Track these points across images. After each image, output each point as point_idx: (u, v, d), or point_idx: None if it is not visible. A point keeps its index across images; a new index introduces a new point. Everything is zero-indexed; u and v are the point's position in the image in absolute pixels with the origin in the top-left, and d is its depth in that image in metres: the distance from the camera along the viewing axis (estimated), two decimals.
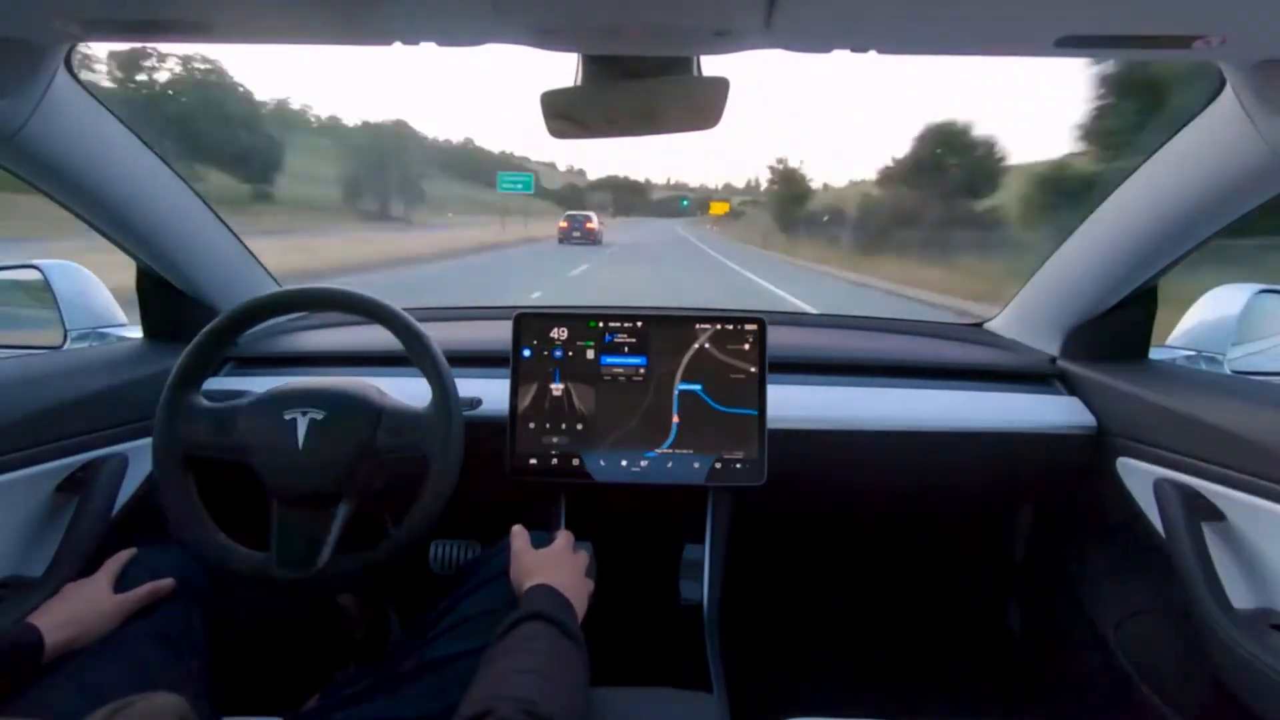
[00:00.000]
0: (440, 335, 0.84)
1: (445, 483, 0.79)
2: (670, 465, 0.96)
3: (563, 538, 0.82)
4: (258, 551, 0.80)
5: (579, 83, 0.73)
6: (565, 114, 0.78)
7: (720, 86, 0.72)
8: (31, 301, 1.26)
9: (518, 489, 0.98)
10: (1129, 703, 0.97)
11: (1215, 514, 0.82)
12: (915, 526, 1.36)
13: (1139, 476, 0.94)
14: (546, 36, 0.63)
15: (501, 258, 15.19)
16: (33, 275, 1.22)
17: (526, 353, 0.98)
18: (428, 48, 0.64)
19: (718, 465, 0.96)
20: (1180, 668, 0.90)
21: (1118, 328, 1.06)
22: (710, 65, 0.71)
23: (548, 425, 0.97)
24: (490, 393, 0.97)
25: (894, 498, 1.24)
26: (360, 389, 0.84)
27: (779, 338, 1.02)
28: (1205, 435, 0.84)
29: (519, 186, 28.92)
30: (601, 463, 0.96)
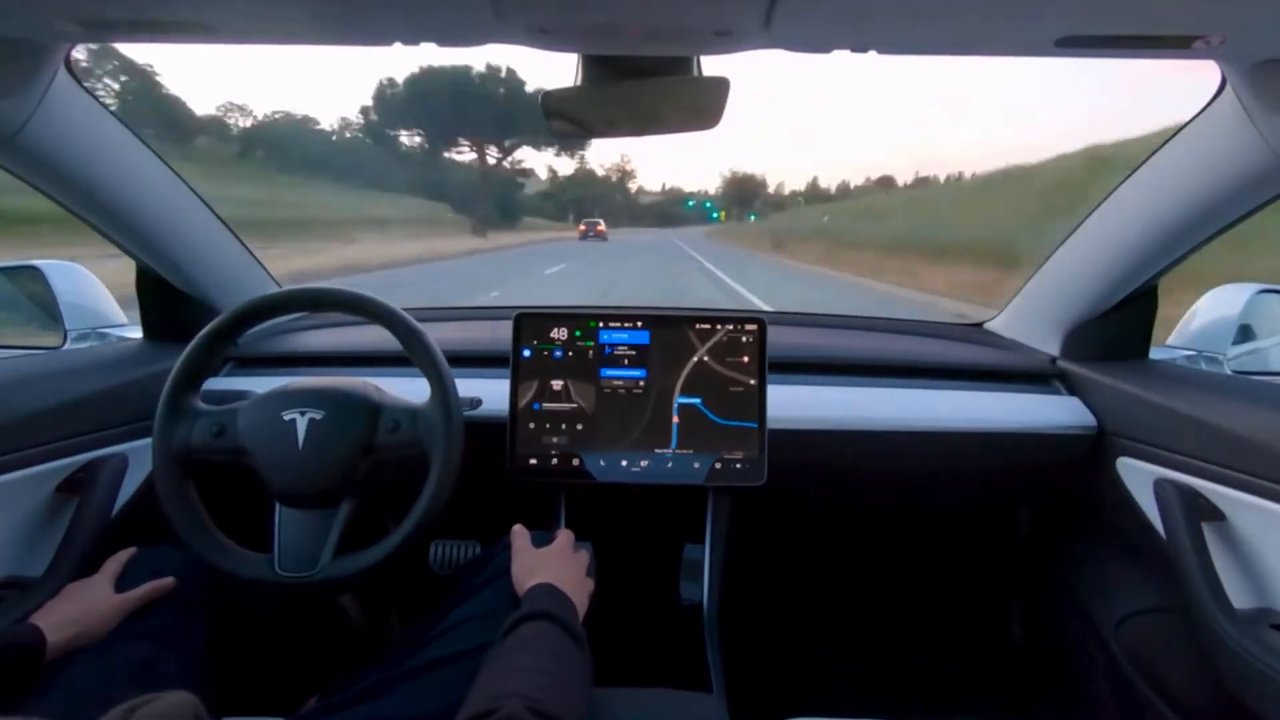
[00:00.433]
0: (440, 335, 0.85)
1: (445, 481, 0.79)
2: (670, 465, 0.96)
3: (563, 537, 0.82)
4: (259, 554, 0.80)
5: (579, 83, 0.73)
6: (565, 114, 0.78)
7: (720, 86, 0.72)
8: (31, 302, 1.26)
9: (518, 489, 0.98)
10: (1129, 703, 0.97)
11: (1215, 514, 0.82)
12: (915, 526, 1.36)
13: (1139, 476, 0.94)
14: (546, 36, 0.63)
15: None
16: (33, 275, 1.22)
17: (526, 353, 0.98)
18: (428, 48, 0.64)
19: (718, 465, 0.96)
20: (1180, 668, 0.90)
21: (1118, 328, 1.06)
22: (710, 65, 0.71)
23: (548, 425, 0.97)
24: (490, 393, 0.97)
25: (894, 498, 1.24)
26: (358, 387, 0.84)
27: (779, 337, 1.02)
28: (1205, 435, 0.84)
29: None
30: (601, 463, 0.96)
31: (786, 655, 1.34)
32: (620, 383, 0.98)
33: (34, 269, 1.22)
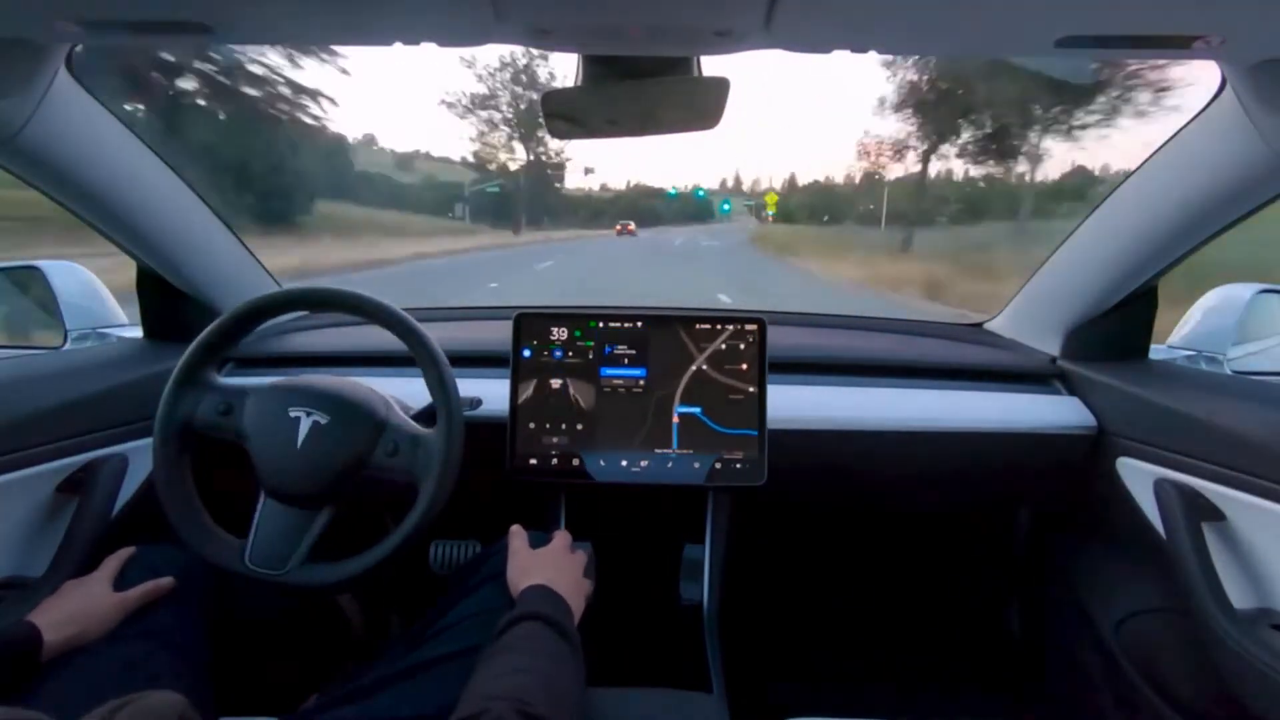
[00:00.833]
0: (440, 335, 0.84)
1: (429, 513, 0.78)
2: (670, 465, 0.96)
3: (560, 538, 0.82)
4: (233, 539, 0.80)
5: (579, 83, 0.73)
6: (566, 114, 0.78)
7: (720, 86, 0.72)
8: (31, 302, 1.26)
9: (518, 489, 0.98)
10: (1129, 702, 0.97)
11: (1215, 514, 0.82)
12: (915, 526, 1.36)
13: (1139, 476, 0.94)
14: (546, 36, 0.63)
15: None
16: (33, 276, 1.22)
17: (526, 353, 0.98)
18: (428, 48, 0.64)
19: (718, 465, 0.96)
20: (1180, 668, 0.90)
21: (1118, 328, 1.06)
22: (710, 65, 0.71)
23: (548, 425, 0.97)
24: (490, 393, 0.97)
25: (894, 498, 1.24)
26: (368, 399, 0.83)
27: (779, 338, 1.02)
28: (1205, 435, 0.84)
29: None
30: (601, 463, 0.96)
31: (786, 655, 1.34)
32: (620, 382, 0.98)
33: (34, 269, 1.22)
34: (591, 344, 0.99)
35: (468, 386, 0.88)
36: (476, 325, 1.34)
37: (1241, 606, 0.79)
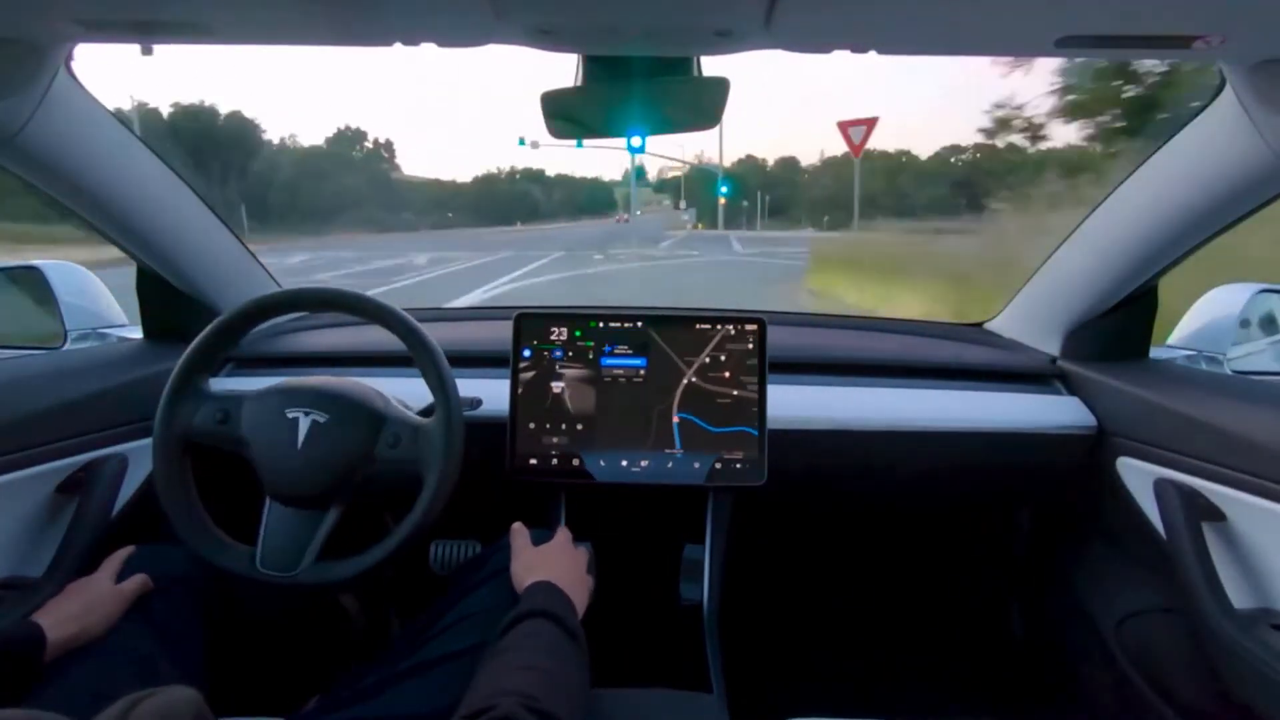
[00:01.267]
0: (440, 335, 0.84)
1: (437, 501, 0.78)
2: (670, 465, 0.96)
3: (561, 535, 0.82)
4: (243, 546, 0.80)
5: (579, 83, 0.73)
6: (565, 114, 0.78)
7: (720, 86, 0.72)
8: (31, 302, 1.26)
9: (518, 489, 0.98)
10: (1129, 703, 0.97)
11: (1215, 514, 0.82)
12: (915, 526, 1.36)
13: (1139, 476, 0.94)
14: (547, 36, 0.63)
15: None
16: (33, 275, 1.22)
17: (526, 353, 0.98)
18: (428, 48, 0.64)
19: (718, 465, 0.96)
20: (1180, 668, 0.90)
21: (1118, 328, 1.06)
22: (710, 65, 0.71)
23: (548, 425, 0.97)
24: (490, 393, 0.97)
25: (894, 498, 1.24)
26: (365, 395, 0.83)
27: (779, 338, 1.02)
28: (1205, 435, 0.84)
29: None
30: (601, 463, 0.96)
31: (786, 655, 1.34)
32: (621, 383, 0.98)
33: (34, 269, 1.22)
34: (591, 344, 0.98)
35: (468, 386, 0.88)
36: (476, 325, 1.34)
37: (1241, 606, 0.79)
